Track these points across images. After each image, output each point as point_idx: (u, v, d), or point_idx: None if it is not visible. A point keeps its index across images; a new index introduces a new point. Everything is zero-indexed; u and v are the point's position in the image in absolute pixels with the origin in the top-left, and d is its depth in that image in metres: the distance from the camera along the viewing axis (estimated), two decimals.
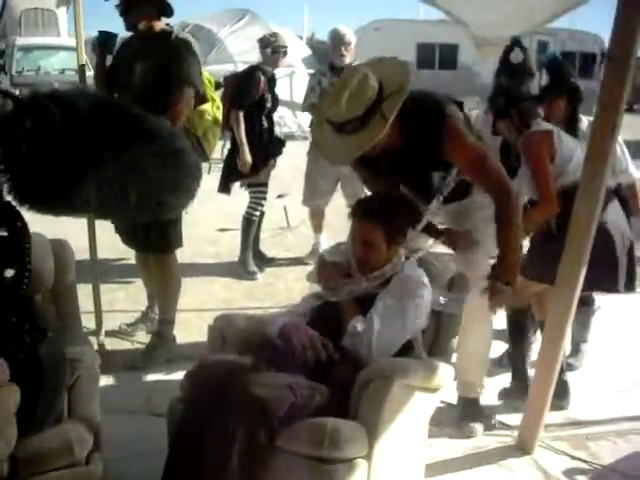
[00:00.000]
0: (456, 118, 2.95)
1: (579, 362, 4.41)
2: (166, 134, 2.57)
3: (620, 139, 3.99)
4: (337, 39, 5.73)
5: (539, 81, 4.45)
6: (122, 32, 4.35)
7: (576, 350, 4.46)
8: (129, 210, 2.47)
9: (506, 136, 3.87)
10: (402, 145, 2.95)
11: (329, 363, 2.64)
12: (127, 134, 2.42)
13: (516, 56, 4.31)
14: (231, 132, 5.97)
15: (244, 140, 5.80)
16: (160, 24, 4.20)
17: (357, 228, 2.91)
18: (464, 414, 3.62)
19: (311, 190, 6.26)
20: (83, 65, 4.30)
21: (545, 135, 3.67)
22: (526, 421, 3.46)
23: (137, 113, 2.57)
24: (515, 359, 3.97)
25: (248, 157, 5.81)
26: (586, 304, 4.16)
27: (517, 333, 3.92)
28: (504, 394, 3.95)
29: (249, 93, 5.82)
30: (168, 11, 4.21)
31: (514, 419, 3.63)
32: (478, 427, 3.59)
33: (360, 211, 2.91)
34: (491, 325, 3.56)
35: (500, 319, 3.85)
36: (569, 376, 3.94)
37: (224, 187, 6.12)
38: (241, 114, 5.80)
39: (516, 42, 4.33)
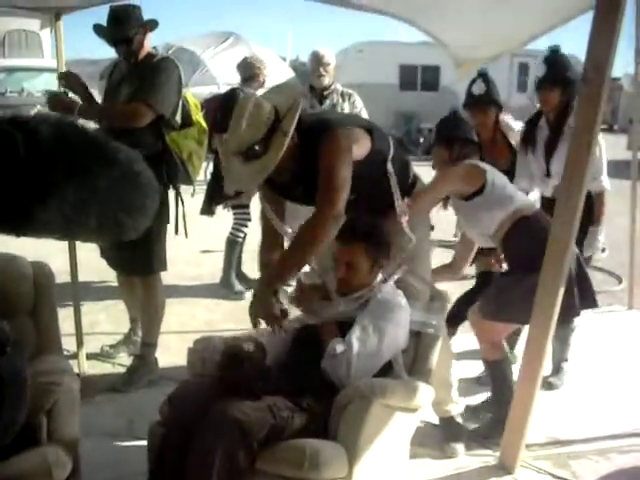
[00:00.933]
0: (342, 135, 2.85)
1: (560, 381, 4.43)
2: (124, 158, 2.60)
3: (603, 149, 4.09)
4: (316, 60, 5.75)
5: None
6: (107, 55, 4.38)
7: (557, 369, 4.48)
8: (90, 232, 2.52)
9: (435, 161, 3.86)
10: (303, 165, 2.92)
11: (309, 384, 2.65)
12: (87, 158, 2.46)
13: (478, 87, 4.34)
14: (214, 154, 5.97)
15: None
16: (147, 47, 4.21)
17: (341, 250, 2.92)
18: (445, 434, 3.63)
19: (292, 211, 6.22)
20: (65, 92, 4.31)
21: (475, 168, 3.62)
22: (507, 440, 3.46)
23: (97, 137, 2.60)
24: (497, 403, 3.79)
25: None
26: (564, 322, 4.12)
27: (498, 379, 3.78)
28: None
29: (230, 115, 5.81)
30: (154, 25, 4.21)
31: None
32: (459, 447, 3.59)
33: (344, 233, 2.92)
34: (448, 342, 3.58)
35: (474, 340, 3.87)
36: (550, 396, 3.96)
37: (208, 209, 6.11)
38: (225, 137, 5.79)
39: (481, 74, 4.38)
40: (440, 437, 3.62)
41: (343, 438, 2.53)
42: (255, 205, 6.26)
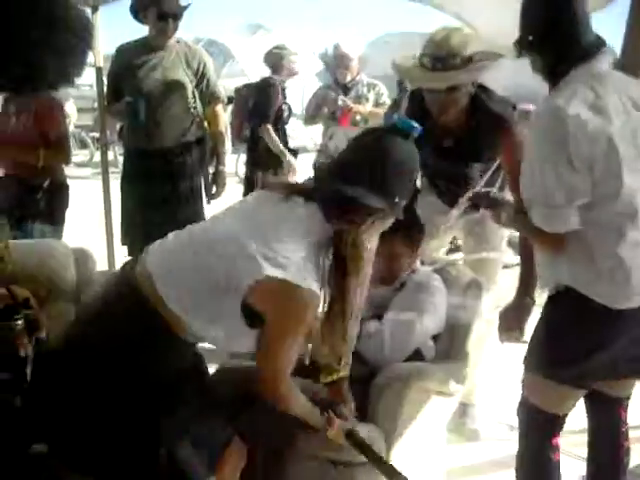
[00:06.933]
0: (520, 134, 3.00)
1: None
2: None
3: None
4: (338, 56, 5.73)
5: None
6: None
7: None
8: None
9: None
10: (468, 131, 3.05)
11: None
12: None
13: None
14: (247, 144, 5.88)
15: (284, 149, 5.59)
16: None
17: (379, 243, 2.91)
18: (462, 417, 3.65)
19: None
20: (100, 67, 4.38)
21: None
22: None
23: None
24: None
25: (295, 164, 5.64)
26: None
27: None
28: None
29: (273, 104, 5.65)
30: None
31: None
32: (479, 430, 3.64)
33: None
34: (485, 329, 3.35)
35: None
36: None
37: None
38: (269, 126, 5.59)
39: None
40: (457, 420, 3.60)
41: (381, 421, 2.54)
42: None
